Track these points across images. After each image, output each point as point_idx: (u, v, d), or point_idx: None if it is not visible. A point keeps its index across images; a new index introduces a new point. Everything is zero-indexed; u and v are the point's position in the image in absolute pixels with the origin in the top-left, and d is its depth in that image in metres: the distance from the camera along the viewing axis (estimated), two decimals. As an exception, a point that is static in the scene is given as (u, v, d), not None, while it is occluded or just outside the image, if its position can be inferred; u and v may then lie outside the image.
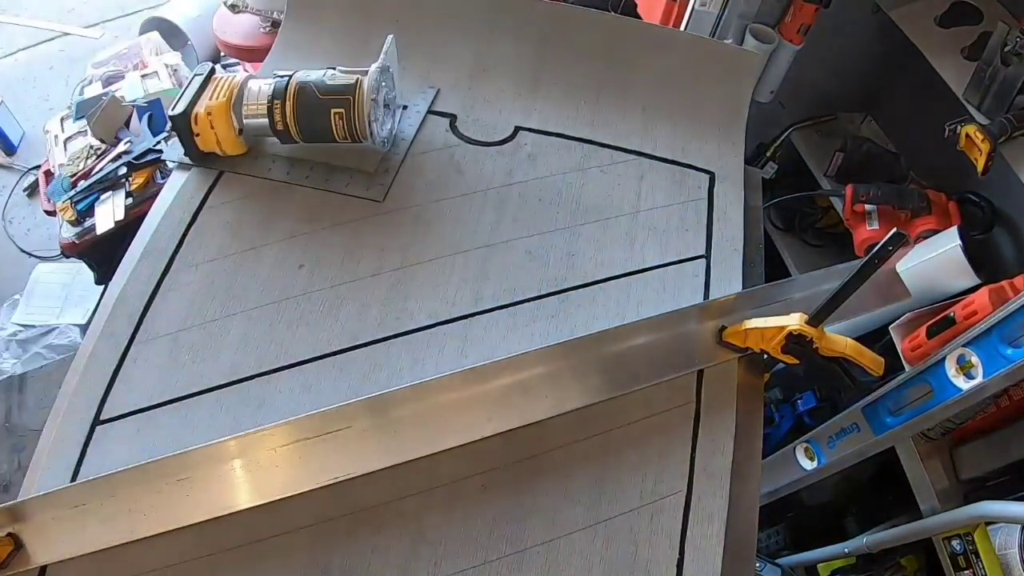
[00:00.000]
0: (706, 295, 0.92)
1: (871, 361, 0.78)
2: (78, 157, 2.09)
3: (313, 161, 1.00)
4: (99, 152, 2.08)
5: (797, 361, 0.81)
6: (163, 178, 2.03)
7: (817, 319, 0.79)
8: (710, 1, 1.62)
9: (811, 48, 1.73)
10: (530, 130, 1.07)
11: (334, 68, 0.95)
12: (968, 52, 1.51)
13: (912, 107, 1.85)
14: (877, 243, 0.71)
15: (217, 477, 0.72)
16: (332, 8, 1.17)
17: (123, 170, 1.99)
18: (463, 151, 1.04)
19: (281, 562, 0.73)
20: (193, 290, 0.89)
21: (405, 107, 1.07)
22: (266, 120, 0.94)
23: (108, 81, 2.44)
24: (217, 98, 0.94)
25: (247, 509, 0.72)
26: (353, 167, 1.00)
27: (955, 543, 1.28)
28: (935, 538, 1.33)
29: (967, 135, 1.37)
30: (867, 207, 1.68)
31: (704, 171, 1.05)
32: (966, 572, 1.27)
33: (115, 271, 0.92)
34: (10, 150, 3.09)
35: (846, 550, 1.52)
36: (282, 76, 0.94)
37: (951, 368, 1.12)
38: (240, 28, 2.35)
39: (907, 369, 1.32)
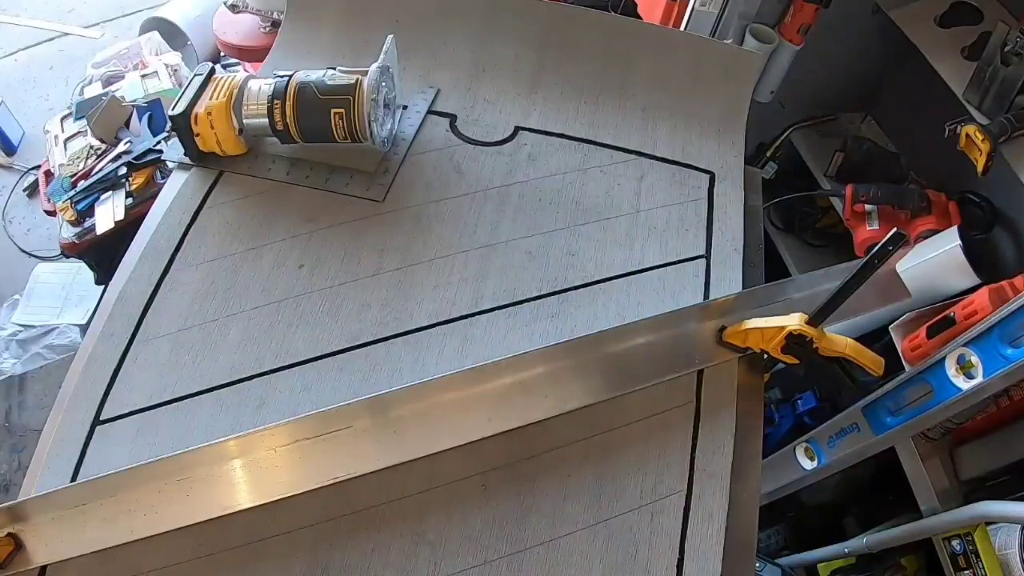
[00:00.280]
0: (706, 295, 0.92)
1: (871, 361, 0.78)
2: (78, 157, 2.09)
3: (313, 161, 1.00)
4: (99, 152, 2.08)
5: (797, 361, 0.81)
6: (163, 178, 2.03)
7: (817, 319, 0.79)
8: (710, 1, 1.62)
9: (811, 48, 1.73)
10: (530, 130, 1.07)
11: (334, 68, 0.95)
12: (968, 52, 1.51)
13: (912, 107, 1.85)
14: (877, 243, 0.71)
15: (217, 477, 0.72)
16: (332, 8, 1.17)
17: (123, 170, 1.99)
18: (463, 151, 1.04)
19: (281, 562, 0.73)
20: (193, 290, 0.89)
21: (405, 107, 1.07)
22: (266, 120, 0.94)
23: (108, 81, 2.44)
24: (217, 98, 0.94)
25: (247, 509, 0.72)
26: (353, 167, 1.00)
27: (955, 543, 1.28)
28: (935, 538, 1.33)
29: (967, 135, 1.37)
30: (867, 207, 1.68)
31: (704, 171, 1.05)
32: (966, 572, 1.27)
33: (115, 271, 0.92)
34: (10, 150, 3.09)
35: (846, 550, 1.52)
36: (282, 76, 0.94)
37: (951, 368, 1.12)
38: (240, 28, 2.35)
39: (907, 369, 1.32)
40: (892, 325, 1.41)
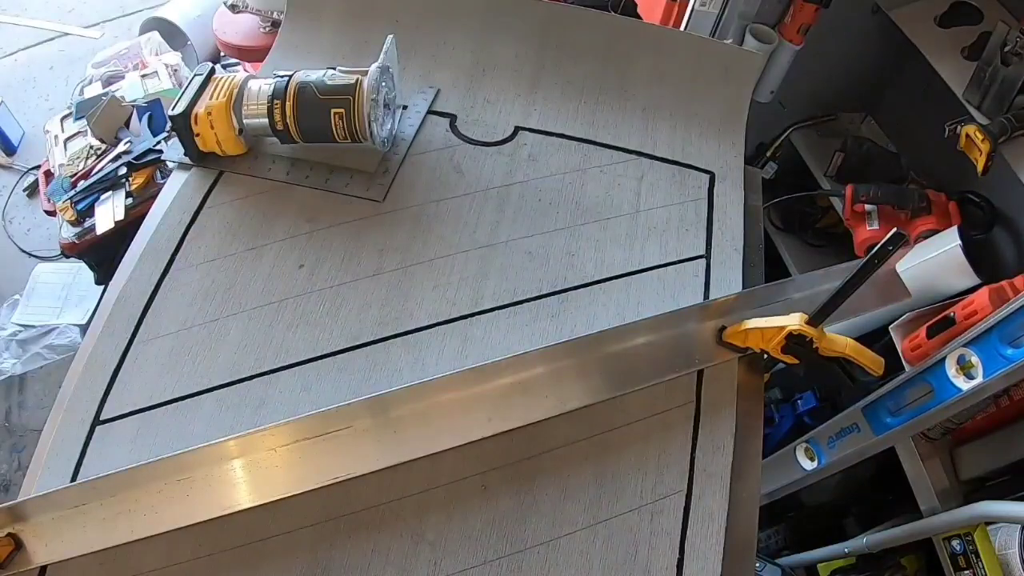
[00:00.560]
0: (706, 295, 0.92)
1: (871, 361, 0.78)
2: (78, 157, 2.09)
3: (313, 161, 1.00)
4: (99, 152, 2.08)
5: (797, 361, 0.81)
6: (163, 178, 2.03)
7: (817, 319, 0.79)
8: (710, 1, 1.62)
9: (811, 48, 1.73)
10: (530, 130, 1.07)
11: (334, 68, 0.95)
12: (968, 52, 1.51)
13: (912, 107, 1.85)
14: (877, 243, 0.71)
15: (217, 477, 0.72)
16: (332, 8, 1.17)
17: (123, 170, 1.99)
18: (463, 151, 1.04)
19: (281, 562, 0.73)
20: (193, 290, 0.89)
21: (405, 107, 1.07)
22: (266, 120, 0.94)
23: (108, 81, 2.44)
24: (217, 98, 0.94)
25: (247, 509, 0.72)
26: (353, 167, 1.00)
27: (955, 543, 1.28)
28: (935, 538, 1.33)
29: (967, 135, 1.37)
30: (867, 207, 1.68)
31: (704, 171, 1.05)
32: (966, 572, 1.27)
33: (115, 271, 0.92)
34: (10, 150, 3.09)
35: (846, 550, 1.52)
36: (282, 76, 0.94)
37: (951, 368, 1.12)
38: (240, 28, 2.35)
39: (907, 369, 1.32)
40: (892, 325, 1.41)
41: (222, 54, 2.69)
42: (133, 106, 2.14)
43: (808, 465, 1.49)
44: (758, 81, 1.74)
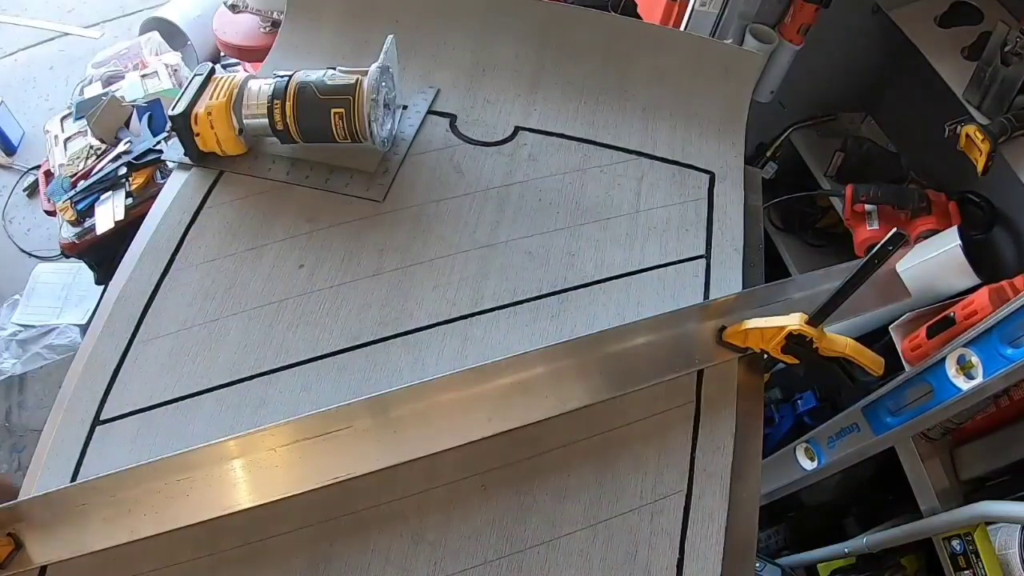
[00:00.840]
0: (706, 295, 0.92)
1: (871, 361, 0.78)
2: (78, 157, 2.09)
3: (313, 161, 1.00)
4: (99, 152, 2.08)
5: (797, 361, 0.81)
6: (163, 178, 2.03)
7: (817, 319, 0.79)
8: (710, 1, 1.62)
9: (811, 48, 1.73)
10: (530, 130, 1.07)
11: (334, 68, 0.95)
12: (968, 52, 1.51)
13: (912, 107, 1.85)
14: (877, 243, 0.71)
15: (217, 477, 0.72)
16: (332, 8, 1.17)
17: (123, 170, 1.99)
18: (463, 151, 1.04)
19: (281, 562, 0.73)
20: (193, 290, 0.89)
21: (405, 107, 1.07)
22: (266, 120, 0.94)
23: (108, 81, 2.44)
24: (217, 98, 0.94)
25: (247, 509, 0.72)
26: (353, 167, 1.00)
27: (955, 543, 1.28)
28: (935, 538, 1.33)
29: (967, 135, 1.37)
30: (867, 207, 1.68)
31: (704, 171, 1.05)
32: (966, 572, 1.27)
33: (115, 271, 0.92)
34: (10, 150, 3.09)
35: (846, 550, 1.52)
36: (282, 76, 0.94)
37: (951, 368, 1.12)
38: (240, 28, 2.35)
39: (907, 369, 1.32)
40: (892, 325, 1.41)
41: (222, 54, 2.69)
42: (133, 106, 2.14)
43: (808, 465, 1.49)
44: (758, 81, 1.74)
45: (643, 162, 1.05)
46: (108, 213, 1.91)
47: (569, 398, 0.79)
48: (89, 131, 2.09)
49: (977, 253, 1.39)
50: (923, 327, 1.30)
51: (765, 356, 0.84)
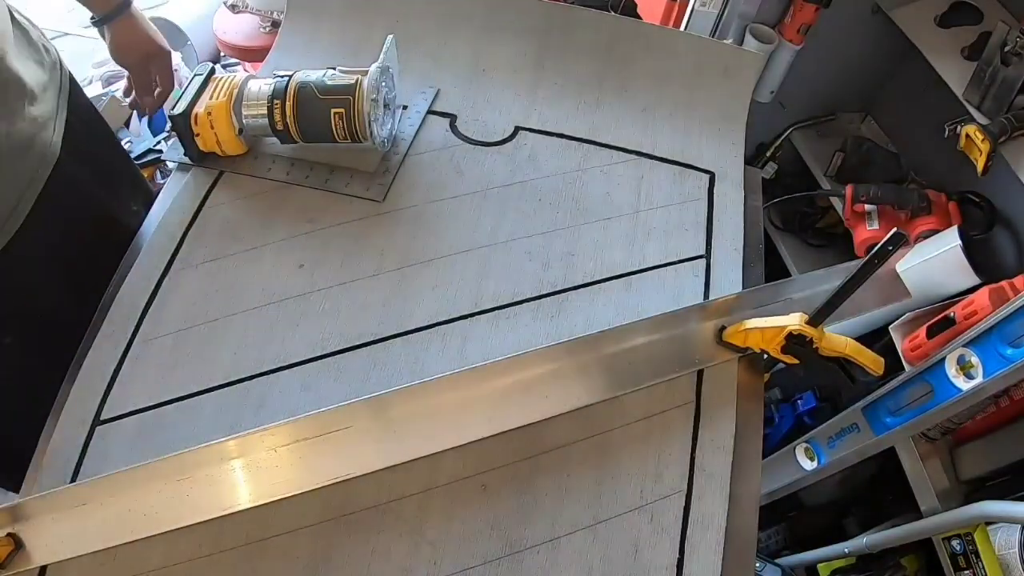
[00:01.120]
0: (706, 295, 0.92)
1: (871, 361, 0.78)
2: (78, 157, 2.08)
3: (313, 161, 1.00)
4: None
5: (797, 361, 0.81)
6: (163, 178, 2.03)
7: (817, 319, 0.79)
8: (710, 1, 1.62)
9: (811, 48, 1.73)
10: (530, 130, 1.07)
11: (334, 68, 0.95)
12: (968, 52, 1.51)
13: (912, 107, 1.86)
14: (877, 243, 0.71)
15: (217, 477, 0.72)
16: (332, 8, 1.17)
17: (123, 170, 1.99)
18: (463, 151, 1.04)
19: (281, 562, 0.73)
20: (193, 290, 0.89)
21: (405, 107, 1.07)
22: (266, 120, 0.94)
23: (108, 81, 2.44)
24: (217, 98, 0.94)
25: (247, 509, 0.72)
26: (353, 167, 1.00)
27: (955, 543, 1.29)
28: (935, 538, 1.33)
29: (967, 135, 1.37)
30: (867, 207, 1.68)
31: (704, 171, 1.05)
32: (966, 572, 1.27)
33: (115, 271, 0.92)
34: (10, 150, 3.09)
35: (846, 550, 1.52)
36: (282, 76, 0.94)
37: (951, 368, 1.12)
38: (240, 28, 2.35)
39: (907, 369, 1.32)
40: (892, 325, 1.41)
41: (222, 54, 2.69)
42: (133, 106, 2.13)
43: (808, 465, 1.49)
44: (758, 81, 1.75)
45: (643, 162, 1.05)
46: (108, 213, 1.90)
47: (569, 398, 0.79)
48: (89, 131, 2.08)
49: (977, 253, 1.39)
50: (923, 327, 1.31)
51: (765, 356, 0.84)
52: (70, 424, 0.79)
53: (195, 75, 0.97)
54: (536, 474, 0.78)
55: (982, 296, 1.21)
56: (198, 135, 0.96)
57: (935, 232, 1.53)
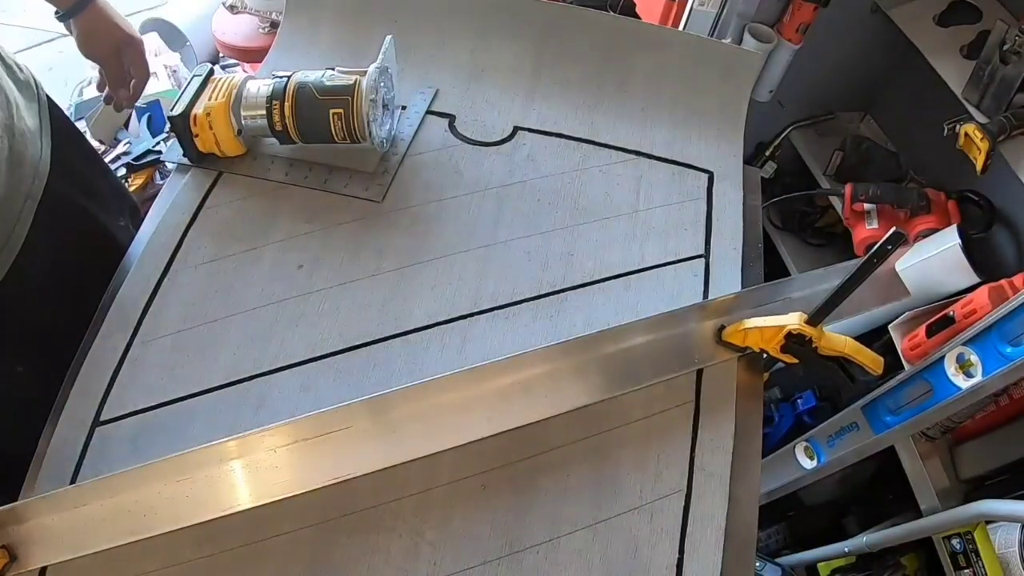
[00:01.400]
0: (705, 295, 0.92)
1: (870, 360, 0.79)
2: (77, 158, 2.08)
3: (312, 162, 1.00)
4: (98, 153, 2.07)
5: (796, 360, 0.81)
6: (162, 179, 2.03)
7: (816, 318, 0.79)
8: (709, 1, 1.62)
9: (810, 48, 1.73)
10: (529, 130, 1.07)
11: (333, 68, 0.95)
12: (967, 51, 1.51)
13: (911, 106, 1.86)
14: (876, 242, 0.71)
15: (217, 477, 0.72)
16: (331, 8, 1.17)
17: (122, 171, 1.99)
18: (462, 151, 1.04)
19: (281, 562, 0.73)
20: (193, 290, 0.89)
21: (404, 107, 1.07)
22: (265, 121, 0.94)
23: (107, 82, 2.44)
24: (216, 99, 0.94)
25: (247, 509, 0.72)
26: (352, 167, 1.00)
27: (955, 542, 1.29)
28: (935, 537, 1.33)
29: (966, 134, 1.37)
30: (866, 206, 1.68)
31: (703, 170, 1.05)
32: (966, 571, 1.27)
33: (115, 271, 0.92)
34: (9, 151, 3.09)
35: (846, 549, 1.52)
36: (281, 77, 0.94)
37: (950, 367, 1.12)
38: (239, 29, 2.35)
39: (906, 368, 1.32)
40: (891, 324, 1.41)
41: (221, 55, 2.69)
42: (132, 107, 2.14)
43: (808, 464, 1.49)
44: (757, 80, 1.75)
45: (642, 162, 1.05)
46: (107, 214, 1.90)
47: (568, 398, 0.79)
48: (88, 132, 2.09)
49: (976, 252, 1.40)
50: (922, 326, 1.30)
51: (764, 355, 0.84)
52: (70, 425, 0.79)
53: (194, 76, 0.97)
54: (536, 474, 0.78)
55: (981, 295, 1.21)
56: (197, 136, 0.96)
57: (934, 231, 1.53)
